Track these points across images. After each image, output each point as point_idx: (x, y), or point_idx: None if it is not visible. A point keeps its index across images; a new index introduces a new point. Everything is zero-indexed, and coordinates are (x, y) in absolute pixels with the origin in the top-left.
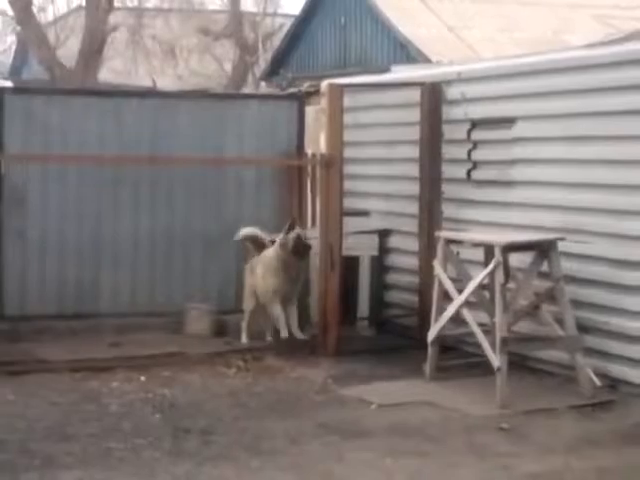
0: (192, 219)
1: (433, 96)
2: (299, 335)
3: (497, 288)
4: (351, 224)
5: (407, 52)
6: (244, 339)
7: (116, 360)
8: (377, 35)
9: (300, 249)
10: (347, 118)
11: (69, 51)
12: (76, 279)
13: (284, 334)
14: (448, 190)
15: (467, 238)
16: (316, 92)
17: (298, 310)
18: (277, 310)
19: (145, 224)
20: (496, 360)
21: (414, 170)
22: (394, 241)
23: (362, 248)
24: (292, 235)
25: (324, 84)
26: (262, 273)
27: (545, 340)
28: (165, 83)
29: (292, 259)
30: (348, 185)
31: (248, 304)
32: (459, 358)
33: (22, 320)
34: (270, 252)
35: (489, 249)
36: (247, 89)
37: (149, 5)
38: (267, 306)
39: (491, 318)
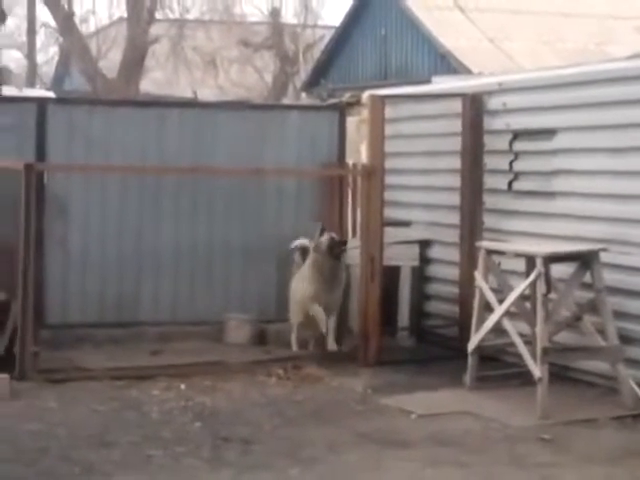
0: (232, 229)
1: (474, 107)
2: (332, 347)
3: (538, 299)
4: (392, 234)
5: (448, 63)
6: (295, 349)
7: (157, 368)
8: (418, 46)
9: (335, 249)
10: (388, 129)
11: (111, 62)
12: (117, 288)
13: (331, 347)
14: (489, 201)
15: (508, 249)
16: (357, 103)
17: (338, 320)
18: (319, 312)
19: (186, 234)
20: (537, 370)
21: (455, 181)
22: (435, 251)
23: (403, 258)
24: (325, 237)
25: (365, 95)
26: (301, 282)
27: (587, 351)
28: (206, 94)
29: (328, 262)
30: (389, 195)
31: (296, 317)
32: (499, 368)
33: (64, 328)
34: (306, 262)
35: (530, 260)
36: (287, 100)
37: (190, 17)
38: (309, 312)
39: (532, 328)
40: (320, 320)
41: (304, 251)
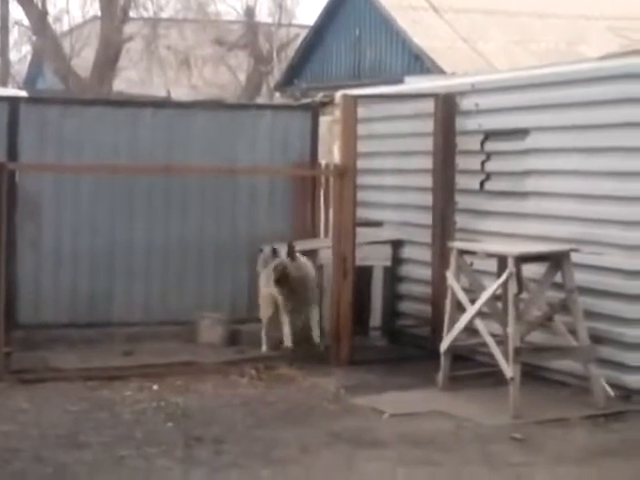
0: (205, 228)
1: (447, 107)
2: (318, 339)
3: (510, 299)
4: (364, 234)
5: (421, 63)
6: (264, 348)
7: (129, 369)
8: (391, 46)
9: (281, 280)
10: (361, 129)
11: (84, 61)
12: (90, 288)
13: (287, 343)
14: (461, 201)
15: (480, 249)
16: (330, 102)
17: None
18: (286, 325)
19: (158, 233)
20: (509, 370)
21: (427, 181)
22: (407, 251)
23: (375, 258)
24: (276, 264)
25: (338, 95)
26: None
27: (558, 350)
28: (179, 93)
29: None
30: (361, 195)
31: (265, 313)
32: (472, 368)
33: (36, 328)
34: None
35: (502, 260)
36: (261, 99)
37: (164, 15)
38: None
39: (504, 328)
40: (285, 334)
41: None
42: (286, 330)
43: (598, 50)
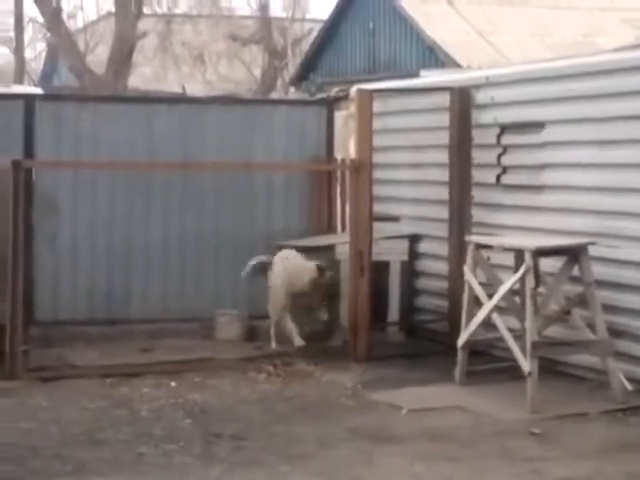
0: (222, 224)
1: (462, 101)
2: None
3: (528, 293)
4: (381, 229)
5: (436, 57)
6: (274, 345)
7: (147, 366)
8: (406, 40)
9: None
10: (376, 123)
11: (99, 58)
12: (107, 285)
13: (298, 343)
14: (478, 195)
15: (497, 243)
16: (345, 97)
17: (327, 315)
18: (288, 323)
19: (175, 230)
20: (527, 365)
21: (444, 175)
22: (424, 246)
23: (392, 253)
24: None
25: (353, 89)
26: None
27: (576, 345)
28: (194, 89)
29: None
30: (378, 190)
31: (275, 310)
32: (489, 363)
33: (54, 326)
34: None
35: (519, 254)
36: (276, 94)
37: (178, 11)
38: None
39: (522, 323)
40: (291, 333)
41: (263, 267)
42: (293, 331)
43: (614, 42)
